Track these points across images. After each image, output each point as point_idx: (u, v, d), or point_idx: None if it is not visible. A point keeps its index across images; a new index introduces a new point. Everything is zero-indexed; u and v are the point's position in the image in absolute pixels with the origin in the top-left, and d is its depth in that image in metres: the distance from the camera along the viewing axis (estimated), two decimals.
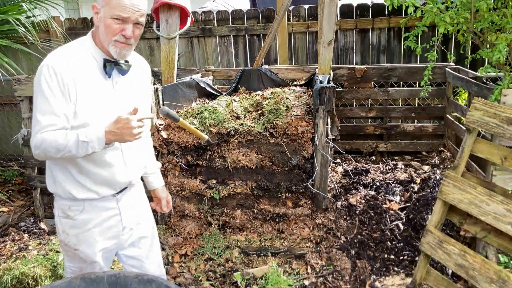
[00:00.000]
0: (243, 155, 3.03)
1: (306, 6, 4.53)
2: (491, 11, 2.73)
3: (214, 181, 3.16)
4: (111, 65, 1.73)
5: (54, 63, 1.62)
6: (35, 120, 1.64)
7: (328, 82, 2.96)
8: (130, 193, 1.95)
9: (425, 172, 3.56)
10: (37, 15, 4.30)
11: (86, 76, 1.68)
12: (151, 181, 2.13)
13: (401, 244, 2.85)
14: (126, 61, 1.78)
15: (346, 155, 3.84)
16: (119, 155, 1.83)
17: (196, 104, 3.52)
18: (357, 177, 3.53)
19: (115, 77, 1.77)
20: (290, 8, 4.45)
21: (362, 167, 3.73)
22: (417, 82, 4.09)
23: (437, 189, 3.10)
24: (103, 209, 1.85)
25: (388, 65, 4.11)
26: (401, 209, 3.11)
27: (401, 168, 3.75)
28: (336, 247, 2.87)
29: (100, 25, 1.68)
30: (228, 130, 3.01)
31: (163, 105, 3.13)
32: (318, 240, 2.97)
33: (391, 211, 3.07)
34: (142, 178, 2.08)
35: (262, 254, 2.93)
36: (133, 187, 1.97)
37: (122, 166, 1.84)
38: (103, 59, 1.72)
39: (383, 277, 2.68)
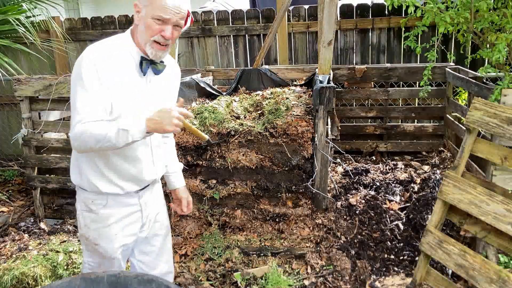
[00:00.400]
0: (243, 155, 3.03)
1: (306, 6, 4.52)
2: (491, 11, 2.73)
3: (214, 181, 3.16)
4: (147, 63, 1.75)
5: (95, 56, 1.64)
6: (75, 111, 1.63)
7: (328, 82, 2.96)
8: (152, 190, 1.99)
9: (425, 172, 3.56)
10: (37, 15, 4.30)
11: (123, 71, 1.70)
12: (172, 181, 2.15)
13: (401, 244, 2.85)
14: (162, 61, 1.81)
15: (346, 155, 3.84)
16: (149, 152, 1.87)
17: (196, 104, 3.52)
18: (357, 177, 3.53)
19: (149, 75, 1.80)
20: (290, 8, 4.45)
21: (362, 167, 3.73)
22: (417, 82, 4.08)
23: (437, 189, 3.10)
24: (126, 204, 1.87)
25: (388, 65, 4.11)
26: (401, 209, 3.11)
27: (401, 168, 3.75)
28: (336, 247, 2.87)
29: (140, 24, 1.71)
30: (228, 130, 3.01)
31: None
32: (318, 240, 2.97)
33: (391, 211, 3.07)
34: (162, 178, 2.10)
35: (262, 254, 2.93)
36: (155, 185, 2.02)
37: (150, 163, 1.88)
38: (140, 57, 1.75)
39: (383, 277, 2.68)
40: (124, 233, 1.88)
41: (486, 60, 3.91)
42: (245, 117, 3.18)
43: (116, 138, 1.60)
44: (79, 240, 3.28)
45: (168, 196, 3.22)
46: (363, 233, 2.95)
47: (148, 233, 2.01)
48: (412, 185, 3.33)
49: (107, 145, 1.62)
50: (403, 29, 4.22)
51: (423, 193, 3.14)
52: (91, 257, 1.94)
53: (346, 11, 4.42)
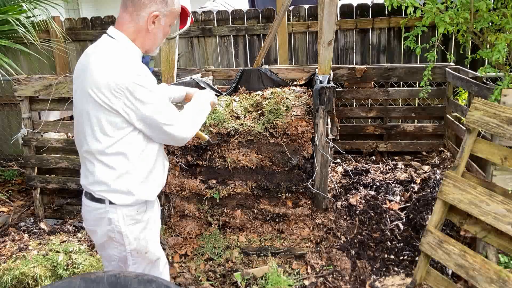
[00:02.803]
0: (243, 155, 3.03)
1: (306, 6, 4.53)
2: (490, 11, 2.73)
3: (214, 181, 3.16)
4: (152, 61, 1.89)
5: (136, 71, 1.65)
6: (165, 121, 1.72)
7: (328, 82, 2.96)
8: None
9: (425, 172, 3.56)
10: (37, 15, 4.30)
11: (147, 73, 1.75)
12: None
13: (401, 244, 2.85)
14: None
15: (346, 155, 3.84)
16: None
17: None
18: (357, 177, 3.52)
19: None
20: (290, 8, 4.45)
21: (362, 167, 3.72)
22: (417, 82, 4.09)
23: (437, 189, 3.10)
24: (154, 204, 1.92)
25: (388, 65, 4.11)
26: (401, 209, 3.11)
27: (401, 168, 3.75)
28: (336, 247, 2.87)
29: (157, 32, 1.77)
30: (228, 130, 3.00)
31: None
32: (318, 240, 2.97)
33: (391, 211, 3.07)
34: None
35: (262, 254, 2.92)
36: None
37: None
38: (147, 57, 1.87)
39: (383, 277, 2.68)
40: (157, 230, 1.94)
41: (486, 60, 3.91)
42: (245, 117, 3.18)
43: (203, 117, 1.96)
44: (79, 240, 3.28)
45: (168, 196, 3.22)
46: (363, 233, 2.95)
47: None
48: (412, 185, 3.33)
49: (204, 118, 1.96)
50: (403, 29, 4.22)
51: (423, 193, 3.14)
52: (137, 269, 1.88)
53: (346, 11, 4.42)
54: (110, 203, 1.75)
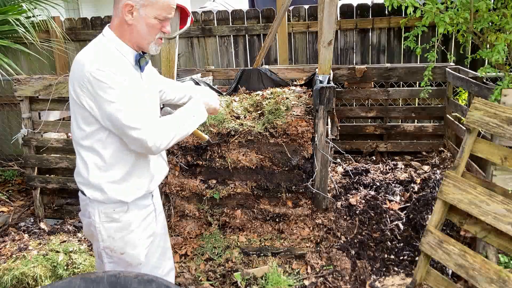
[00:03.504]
0: (243, 155, 3.03)
1: (306, 6, 4.52)
2: (490, 11, 2.73)
3: (214, 181, 3.16)
4: (144, 59, 1.77)
5: (105, 68, 1.60)
6: (131, 127, 1.61)
7: (328, 82, 2.96)
8: (157, 188, 2.01)
9: (425, 172, 3.56)
10: (37, 15, 4.30)
11: (127, 72, 1.69)
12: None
13: (401, 244, 2.85)
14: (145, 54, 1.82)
15: (346, 155, 3.84)
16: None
17: None
18: (357, 177, 3.53)
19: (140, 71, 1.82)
20: (290, 8, 4.45)
21: (362, 167, 3.73)
22: (417, 82, 4.09)
23: (437, 189, 3.10)
24: (143, 206, 1.86)
25: (388, 65, 4.10)
26: (401, 209, 3.11)
27: (401, 168, 3.75)
28: (336, 247, 2.87)
29: (137, 24, 1.68)
30: (228, 130, 3.01)
31: (164, 105, 3.12)
32: (318, 240, 2.97)
33: (391, 211, 3.07)
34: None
35: (262, 254, 2.93)
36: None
37: (163, 159, 1.96)
38: (137, 55, 1.75)
39: (383, 277, 2.68)
40: (145, 235, 1.87)
41: (486, 60, 3.91)
42: (245, 117, 3.18)
43: (191, 127, 1.80)
44: (79, 240, 3.28)
45: (168, 196, 3.22)
46: (363, 233, 2.95)
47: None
48: (412, 185, 3.33)
49: (183, 134, 1.78)
50: (403, 29, 4.22)
51: (423, 193, 3.14)
52: (116, 268, 1.86)
53: (346, 11, 4.42)
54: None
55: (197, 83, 3.66)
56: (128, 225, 1.80)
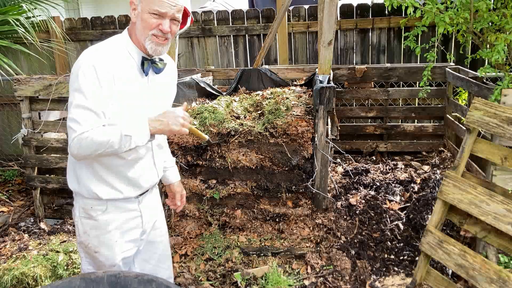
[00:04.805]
0: (243, 155, 3.03)
1: (306, 6, 4.52)
2: (490, 11, 2.73)
3: (214, 181, 3.16)
4: (148, 63, 1.74)
5: (94, 59, 1.60)
6: (72, 119, 1.57)
7: (328, 82, 2.96)
8: (151, 195, 1.96)
9: (425, 172, 3.56)
10: (37, 16, 4.30)
11: (124, 73, 1.67)
12: (168, 175, 2.11)
13: (401, 244, 2.85)
14: (161, 60, 1.78)
15: (346, 155, 3.84)
16: (150, 156, 1.84)
17: (196, 104, 3.52)
18: (357, 177, 3.53)
19: (150, 74, 1.78)
20: (290, 8, 4.45)
21: (362, 167, 3.73)
22: (417, 82, 4.09)
23: (437, 189, 3.10)
24: (125, 210, 1.83)
25: (388, 65, 4.11)
26: (401, 209, 3.12)
27: (401, 168, 3.75)
28: (336, 247, 2.87)
29: (137, 21, 1.68)
30: (228, 130, 3.01)
31: None
32: (318, 240, 2.97)
33: (391, 211, 3.07)
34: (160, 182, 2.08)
35: (262, 254, 2.93)
36: (153, 190, 1.98)
37: (152, 166, 1.87)
38: (141, 57, 1.73)
39: (383, 277, 2.68)
40: (124, 239, 1.84)
41: (486, 60, 3.91)
42: (245, 117, 3.18)
43: (119, 144, 1.58)
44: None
45: (167, 196, 3.22)
46: (363, 233, 2.95)
47: (148, 240, 1.98)
48: (412, 185, 3.33)
49: (109, 151, 1.60)
50: (403, 29, 4.22)
51: (423, 193, 3.14)
52: (90, 265, 1.88)
53: (346, 11, 4.42)
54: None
55: (197, 83, 3.66)
56: (105, 225, 1.79)
